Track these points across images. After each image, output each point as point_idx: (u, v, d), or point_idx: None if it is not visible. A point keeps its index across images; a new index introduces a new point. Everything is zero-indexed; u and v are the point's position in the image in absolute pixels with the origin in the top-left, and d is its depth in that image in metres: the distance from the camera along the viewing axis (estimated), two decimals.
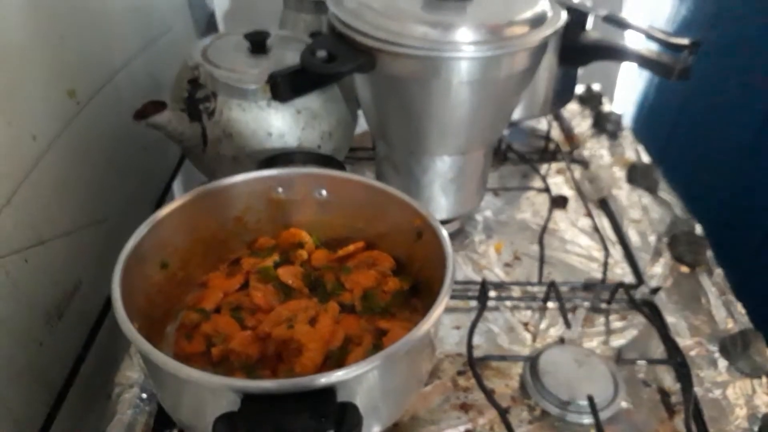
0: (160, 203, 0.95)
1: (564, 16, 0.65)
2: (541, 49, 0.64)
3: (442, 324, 0.67)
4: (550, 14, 0.65)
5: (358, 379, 0.42)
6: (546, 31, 0.62)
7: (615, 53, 0.83)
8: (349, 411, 0.40)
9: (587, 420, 0.55)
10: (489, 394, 0.56)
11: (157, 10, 1.02)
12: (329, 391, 0.41)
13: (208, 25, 1.26)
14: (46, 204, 0.66)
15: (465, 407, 0.57)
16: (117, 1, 0.86)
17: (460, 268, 0.75)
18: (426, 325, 0.44)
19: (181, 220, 0.56)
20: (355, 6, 0.62)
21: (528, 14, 0.62)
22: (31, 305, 0.63)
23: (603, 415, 0.55)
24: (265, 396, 0.40)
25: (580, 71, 0.97)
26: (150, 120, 0.65)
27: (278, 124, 0.69)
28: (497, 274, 0.74)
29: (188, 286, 0.59)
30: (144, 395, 0.58)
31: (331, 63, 0.61)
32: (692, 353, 0.63)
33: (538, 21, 0.63)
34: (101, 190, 0.78)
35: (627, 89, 1.55)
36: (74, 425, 0.69)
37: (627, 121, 1.54)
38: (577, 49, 0.85)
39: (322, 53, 0.62)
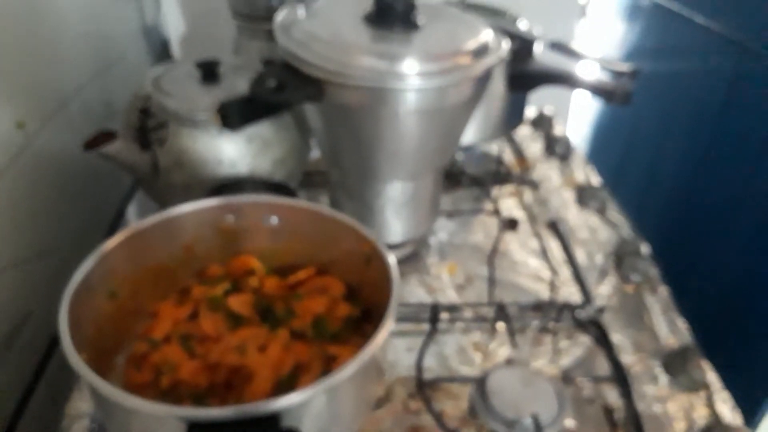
0: (113, 232, 0.94)
1: (506, 46, 0.68)
2: (484, 79, 0.66)
3: (395, 347, 0.68)
4: (493, 44, 0.67)
5: (303, 405, 0.43)
6: (489, 61, 0.64)
7: (561, 79, 0.86)
8: None
9: None
10: (438, 416, 0.57)
11: (110, 37, 1.02)
12: (273, 417, 0.41)
13: (162, 52, 1.26)
14: None
15: (415, 430, 0.58)
16: (69, 29, 0.87)
17: (413, 291, 0.76)
18: (369, 350, 0.45)
19: (130, 251, 0.56)
20: (303, 37, 0.63)
21: (471, 45, 0.65)
22: None
23: None
24: (210, 424, 0.40)
25: (532, 96, 1.00)
26: (101, 150, 0.65)
27: (230, 152, 0.70)
28: (450, 296, 0.76)
29: (138, 316, 0.59)
30: (94, 426, 0.58)
31: (281, 92, 0.62)
32: (635, 369, 0.66)
33: (481, 51, 0.65)
34: (52, 220, 0.78)
35: (581, 113, 1.60)
36: None
37: (581, 143, 1.60)
38: (525, 76, 0.88)
39: (271, 82, 0.63)
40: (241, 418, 0.40)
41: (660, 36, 1.27)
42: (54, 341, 0.74)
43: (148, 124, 0.70)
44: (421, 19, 0.66)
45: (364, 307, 0.60)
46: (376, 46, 0.62)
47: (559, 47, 0.90)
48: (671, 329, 0.71)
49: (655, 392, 0.63)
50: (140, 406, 0.41)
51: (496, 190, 0.97)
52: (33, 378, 0.71)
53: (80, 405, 0.60)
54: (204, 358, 0.54)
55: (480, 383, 0.61)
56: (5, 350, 0.66)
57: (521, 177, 1.01)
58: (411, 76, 0.60)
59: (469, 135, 0.95)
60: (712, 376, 0.65)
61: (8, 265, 0.67)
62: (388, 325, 0.48)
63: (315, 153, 0.88)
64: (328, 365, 0.54)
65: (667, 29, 1.24)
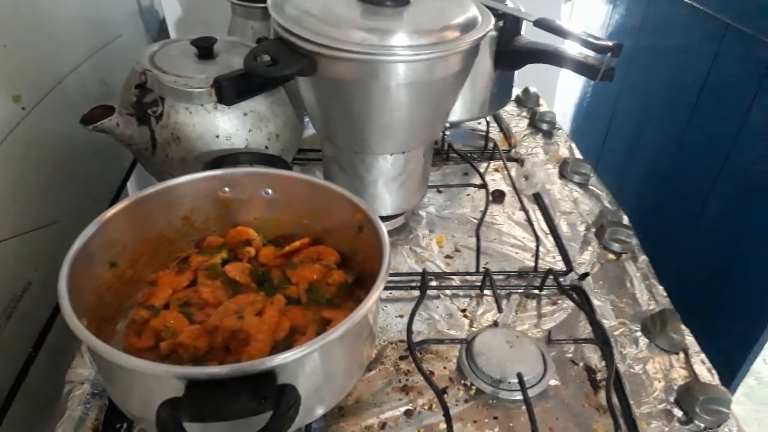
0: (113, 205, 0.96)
1: (492, 21, 0.69)
2: (472, 52, 0.68)
3: (387, 313, 0.70)
4: (480, 19, 0.69)
5: (298, 363, 0.44)
6: (476, 34, 0.66)
7: (546, 57, 0.87)
8: (288, 392, 0.42)
9: (518, 396, 0.59)
10: (427, 376, 0.60)
11: (107, 16, 1.03)
12: (269, 374, 0.43)
13: (159, 31, 1.27)
14: None
15: (406, 389, 0.61)
16: (66, 8, 0.87)
17: (404, 261, 0.79)
18: (361, 311, 0.47)
19: (129, 221, 0.58)
20: (296, 12, 0.65)
21: (460, 19, 0.66)
22: None
23: (533, 392, 0.59)
24: (207, 381, 0.42)
25: (518, 74, 1.02)
26: (98, 124, 0.67)
27: (225, 126, 0.72)
28: (438, 265, 0.78)
29: (138, 285, 0.61)
30: (95, 391, 0.59)
31: (274, 67, 0.64)
32: (616, 333, 0.69)
33: (469, 26, 0.67)
34: (51, 193, 0.79)
35: (566, 91, 1.62)
36: (27, 426, 0.70)
37: (566, 120, 1.62)
38: (512, 53, 0.90)
39: (264, 57, 0.65)
40: (239, 375, 0.42)
41: (644, 13, 1.29)
42: (55, 311, 0.75)
43: (145, 99, 0.71)
44: None
45: (358, 275, 0.62)
46: (367, 21, 0.64)
47: (545, 24, 0.91)
48: (651, 295, 0.74)
49: (636, 354, 0.66)
50: (140, 366, 0.42)
51: (483, 166, 1.00)
52: (34, 347, 0.72)
53: (81, 371, 0.61)
54: (203, 323, 0.56)
55: (467, 344, 0.64)
56: (4, 320, 0.68)
57: (507, 153, 1.03)
58: (401, 49, 0.62)
59: (459, 113, 0.97)
60: (690, 339, 0.68)
61: (7, 236, 0.69)
62: (380, 286, 0.50)
63: (309, 130, 0.89)
64: (323, 329, 0.56)
65: (651, 6, 1.26)
